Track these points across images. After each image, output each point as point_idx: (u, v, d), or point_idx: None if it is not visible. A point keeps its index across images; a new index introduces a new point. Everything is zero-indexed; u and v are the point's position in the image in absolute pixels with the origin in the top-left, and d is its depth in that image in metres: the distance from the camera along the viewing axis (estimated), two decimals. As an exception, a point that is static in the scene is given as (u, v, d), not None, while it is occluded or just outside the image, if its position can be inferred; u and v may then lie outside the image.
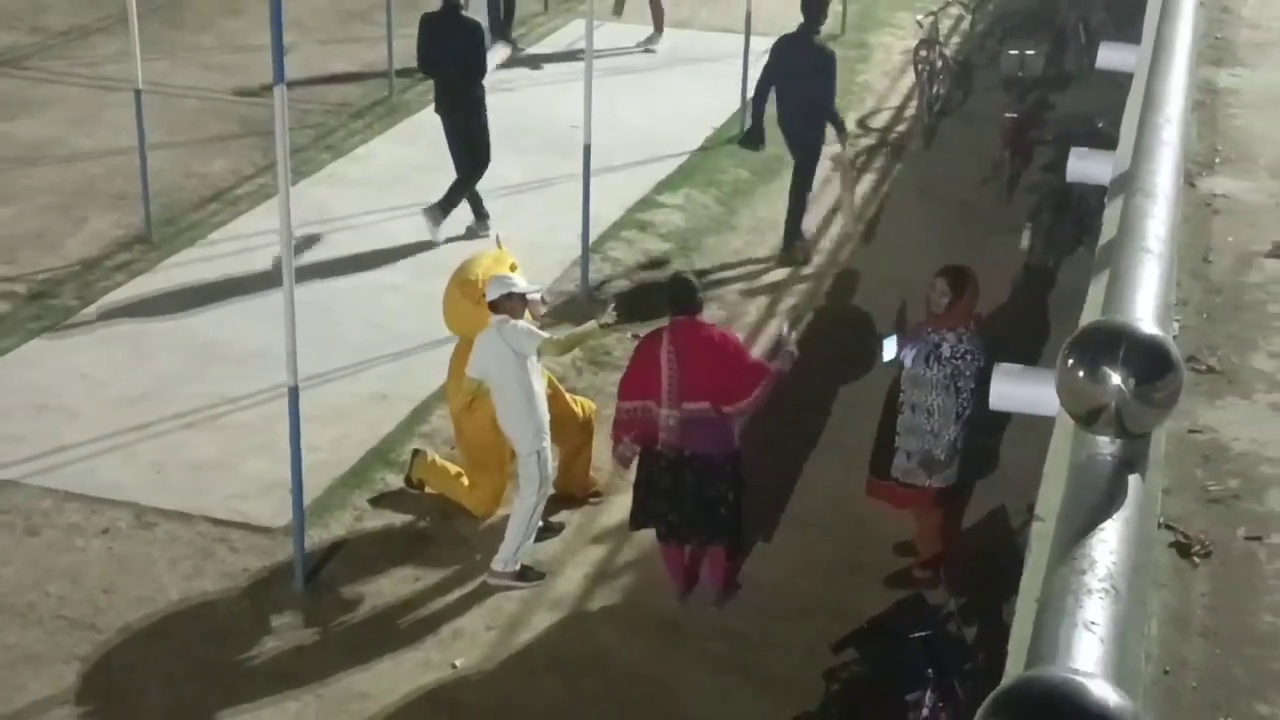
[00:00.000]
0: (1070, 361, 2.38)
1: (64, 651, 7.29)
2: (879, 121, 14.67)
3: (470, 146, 11.42)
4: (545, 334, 7.88)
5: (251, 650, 7.38)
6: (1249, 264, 8.53)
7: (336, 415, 9.08)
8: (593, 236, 11.09)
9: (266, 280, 10.43)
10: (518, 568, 7.86)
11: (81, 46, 15.62)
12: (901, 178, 13.20)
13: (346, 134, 13.52)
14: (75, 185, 12.40)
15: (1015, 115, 12.63)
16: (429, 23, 11.48)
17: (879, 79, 15.70)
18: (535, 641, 7.52)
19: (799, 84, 11.33)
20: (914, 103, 14.50)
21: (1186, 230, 8.44)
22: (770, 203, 12.70)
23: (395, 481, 8.65)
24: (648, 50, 15.86)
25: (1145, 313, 2.80)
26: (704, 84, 14.91)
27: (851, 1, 16.98)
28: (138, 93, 11.22)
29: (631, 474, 7.84)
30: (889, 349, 7.57)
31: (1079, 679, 1.69)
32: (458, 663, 7.35)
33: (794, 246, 11.69)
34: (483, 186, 11.77)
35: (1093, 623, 1.93)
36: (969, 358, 7.34)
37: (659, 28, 15.99)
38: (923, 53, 14.56)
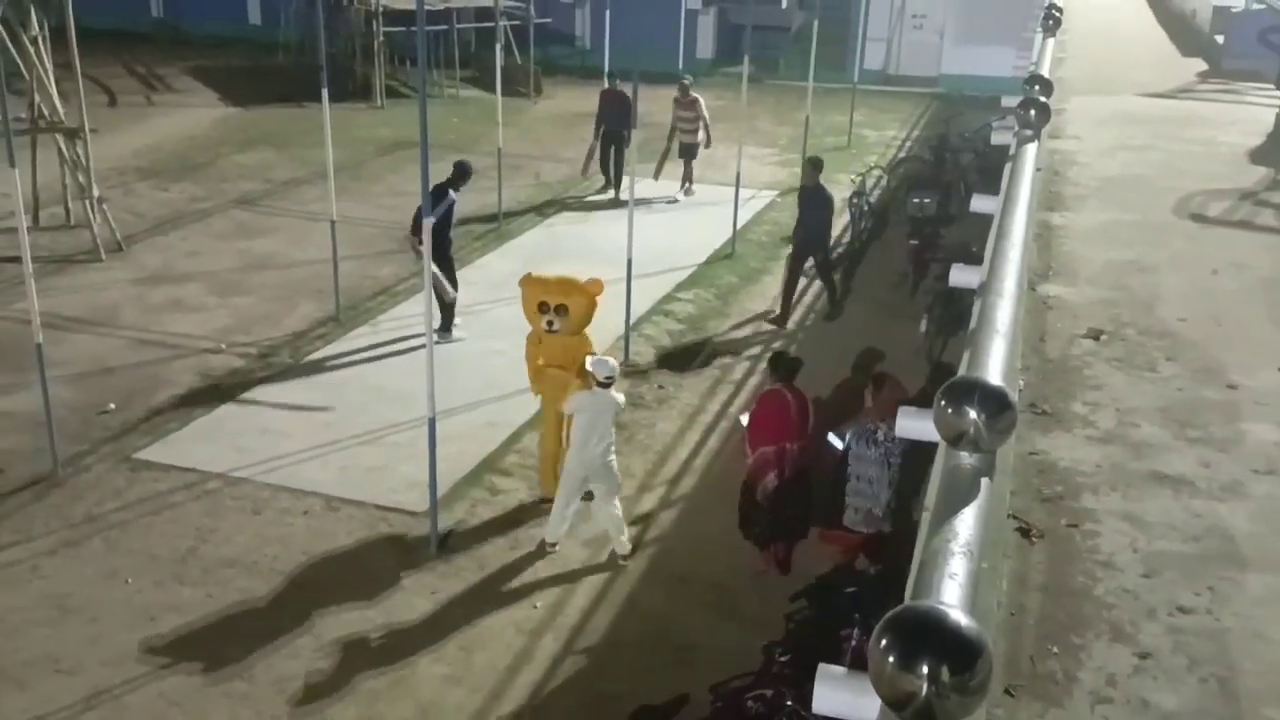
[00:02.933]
0: (942, 403, 2.41)
1: (277, 594, 7.34)
2: (825, 245, 14.67)
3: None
4: (624, 402, 7.83)
5: (400, 593, 7.40)
6: (1071, 343, 8.53)
7: (459, 437, 9.11)
8: (632, 320, 11.12)
9: (415, 346, 10.54)
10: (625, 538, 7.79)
11: (296, 192, 15.81)
12: (840, 282, 13.20)
13: (470, 251, 13.58)
14: (290, 283, 12.52)
15: (916, 242, 12.60)
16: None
17: (825, 217, 15.71)
18: (588, 589, 7.52)
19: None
20: (849, 233, 14.53)
21: (1028, 320, 8.46)
22: (751, 299, 12.72)
23: (500, 483, 8.65)
24: (674, 200, 15.90)
25: (994, 374, 2.81)
26: (707, 219, 14.95)
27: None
28: (333, 223, 11.37)
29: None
30: (835, 441, 7.17)
31: (942, 607, 1.71)
32: (537, 604, 7.36)
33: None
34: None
35: (954, 574, 1.96)
36: (895, 442, 6.86)
37: (689, 179, 16.09)
38: (855, 200, 14.58)
